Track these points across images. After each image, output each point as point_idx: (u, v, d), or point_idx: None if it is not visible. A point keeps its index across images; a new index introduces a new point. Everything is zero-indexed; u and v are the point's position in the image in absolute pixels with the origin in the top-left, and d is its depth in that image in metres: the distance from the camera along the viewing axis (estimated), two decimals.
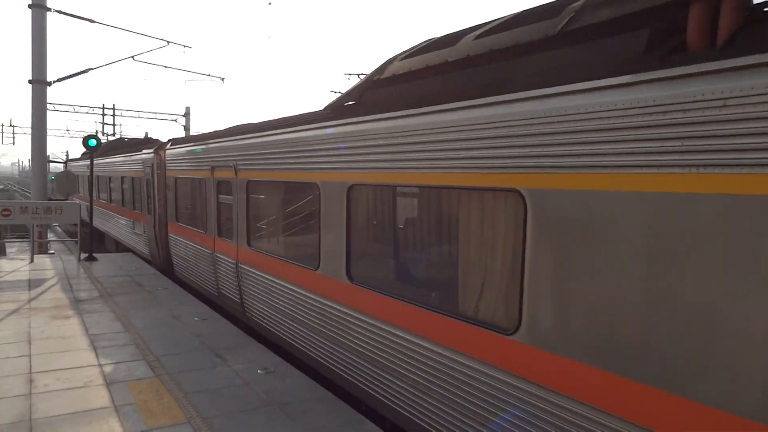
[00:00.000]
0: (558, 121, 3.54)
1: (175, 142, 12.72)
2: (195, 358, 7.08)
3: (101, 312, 9.25)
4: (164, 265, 13.75)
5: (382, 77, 5.66)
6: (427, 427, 4.74)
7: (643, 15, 3.35)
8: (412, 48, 5.69)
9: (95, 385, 6.05)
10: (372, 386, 5.52)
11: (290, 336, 7.33)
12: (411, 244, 5.20)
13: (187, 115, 47.69)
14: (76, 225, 15.10)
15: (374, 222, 5.62)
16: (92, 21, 18.83)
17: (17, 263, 13.97)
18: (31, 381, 6.11)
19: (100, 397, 5.74)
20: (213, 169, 9.76)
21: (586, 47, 3.66)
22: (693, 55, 2.92)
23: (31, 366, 6.58)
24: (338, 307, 6.09)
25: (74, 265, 13.85)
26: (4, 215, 13.52)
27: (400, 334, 5.05)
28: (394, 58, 5.81)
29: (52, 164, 30.81)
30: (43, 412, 5.32)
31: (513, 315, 3.99)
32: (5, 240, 19.62)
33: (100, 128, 50.79)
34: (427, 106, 4.67)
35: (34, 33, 17.39)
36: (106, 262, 14.54)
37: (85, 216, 17.88)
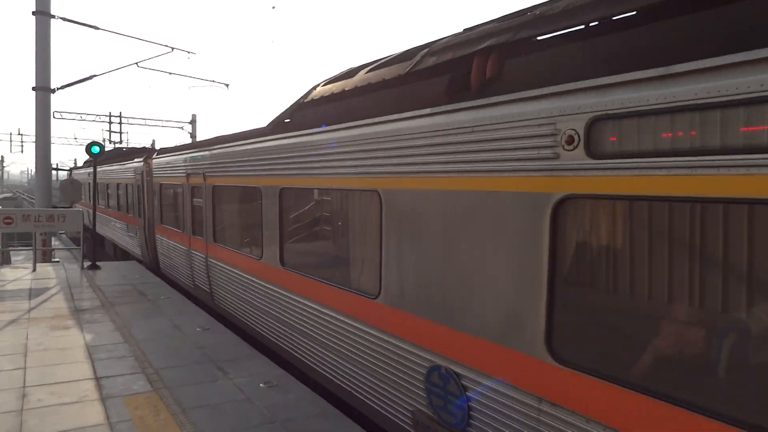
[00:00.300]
0: (397, 139, 4.85)
1: (160, 152, 13.87)
2: (195, 371, 6.82)
3: (101, 322, 9.02)
4: (153, 264, 14.66)
5: (305, 101, 7.01)
6: (322, 371, 6.35)
7: (449, 64, 4.63)
8: (331, 77, 7.08)
9: (90, 400, 5.79)
10: (296, 349, 6.97)
11: (248, 319, 8.50)
12: (321, 236, 6.57)
13: (193, 122, 47.71)
14: (79, 232, 14.95)
15: (298, 218, 6.92)
16: (96, 28, 18.76)
17: (20, 272, 13.80)
18: (24, 396, 5.86)
19: (95, 413, 5.48)
20: (188, 176, 11.04)
21: (418, 85, 4.97)
22: (467, 94, 4.22)
23: (25, 379, 6.34)
24: (276, 289, 7.39)
25: (77, 274, 13.66)
26: (6, 223, 13.36)
27: (314, 306, 6.41)
28: (317, 84, 7.14)
29: (60, 172, 30.81)
30: (33, 430, 5.07)
31: (376, 284, 5.25)
32: (10, 248, 19.52)
33: (107, 136, 50.98)
34: (326, 126, 5.98)
35: (38, 40, 17.33)
36: (109, 271, 14.34)
37: (88, 222, 17.93)
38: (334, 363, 6.03)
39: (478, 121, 4.01)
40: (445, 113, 4.35)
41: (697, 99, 2.72)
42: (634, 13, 3.34)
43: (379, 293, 5.16)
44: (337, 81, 6.59)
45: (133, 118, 50.67)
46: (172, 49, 20.43)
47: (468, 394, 4.17)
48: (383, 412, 5.18)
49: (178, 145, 13.47)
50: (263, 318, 7.85)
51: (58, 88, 18.45)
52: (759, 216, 2.57)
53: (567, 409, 3.41)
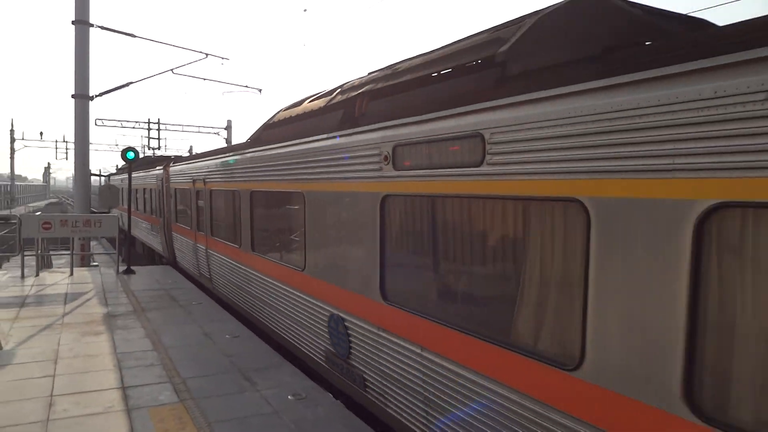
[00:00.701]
0: (310, 155, 6.81)
1: (175, 160, 16.37)
2: (223, 381, 6.63)
3: (132, 328, 8.97)
4: (171, 257, 16.69)
5: (269, 122, 9.05)
6: (272, 327, 8.45)
7: (345, 102, 6.42)
8: (288, 104, 9.06)
9: (116, 411, 5.65)
10: (259, 314, 9.04)
11: (235, 297, 10.34)
12: (280, 228, 8.27)
13: (228, 128, 48.41)
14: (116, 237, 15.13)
15: (263, 215, 8.83)
16: (133, 36, 19.06)
17: (58, 276, 14.02)
18: (50, 405, 5.77)
19: (119, 425, 5.33)
20: (194, 181, 13.18)
21: (329, 116, 6.73)
22: (347, 124, 6.12)
23: (53, 388, 6.26)
24: (249, 270, 9.28)
25: (112, 279, 13.79)
26: (44, 228, 13.60)
27: (270, 280, 8.38)
28: (279, 110, 9.17)
29: (98, 177, 31.57)
30: None
31: (302, 261, 7.15)
32: (51, 252, 19.99)
33: (146, 143, 52.24)
34: (276, 143, 8.06)
35: (77, 48, 17.68)
36: (143, 275, 14.45)
37: (123, 225, 18.44)
38: (280, 320, 8.11)
39: (346, 144, 5.96)
40: (329, 138, 6.38)
41: (431, 136, 4.59)
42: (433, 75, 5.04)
43: (305, 267, 7.07)
44: (289, 108, 8.80)
45: (171, 124, 51.78)
46: (207, 55, 20.62)
47: (348, 330, 5.98)
48: (311, 354, 7.09)
49: (188, 155, 16.42)
50: (243, 295, 9.79)
51: (96, 96, 18.78)
52: (458, 204, 4.40)
53: (390, 331, 5.24)
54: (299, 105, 8.26)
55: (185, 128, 52.39)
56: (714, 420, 2.60)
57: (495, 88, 4.03)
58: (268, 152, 8.29)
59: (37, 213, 23.58)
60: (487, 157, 3.99)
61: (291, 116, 8.16)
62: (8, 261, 21.11)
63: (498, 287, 4.07)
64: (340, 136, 6.07)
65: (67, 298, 11.28)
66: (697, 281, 2.70)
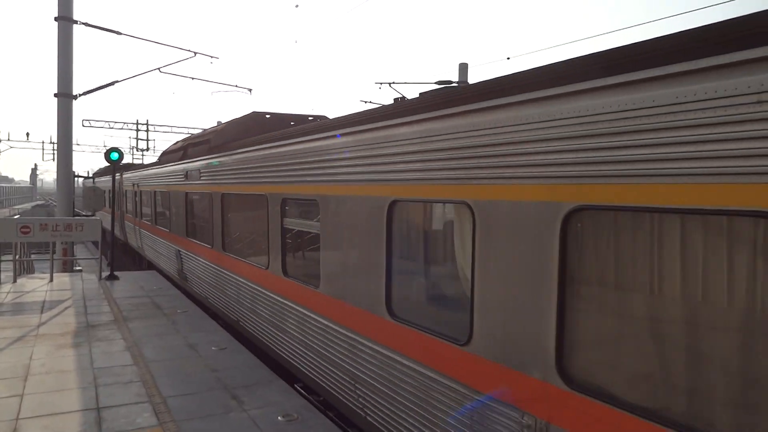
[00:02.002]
0: (205, 168, 10.60)
1: (125, 168, 21.77)
2: (207, 400, 6.11)
3: (112, 340, 8.41)
4: (123, 237, 22.13)
5: (166, 150, 14.73)
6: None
7: (190, 145, 12.51)
8: (176, 141, 15.16)
9: None
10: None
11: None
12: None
13: None
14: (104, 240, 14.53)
15: (152, 200, 13.85)
16: (119, 33, 18.46)
17: (37, 282, 13.40)
18: (14, 430, 5.23)
19: None
20: (133, 185, 18.69)
21: (192, 150, 11.93)
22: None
23: (19, 410, 5.72)
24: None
25: (94, 285, 13.19)
26: (23, 233, 12.97)
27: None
28: (176, 141, 14.25)
29: (84, 179, 30.91)
30: None
31: (166, 223, 13.43)
32: (33, 257, 19.30)
33: (134, 143, 51.45)
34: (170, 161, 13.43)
35: (60, 46, 17.06)
36: (127, 281, 13.86)
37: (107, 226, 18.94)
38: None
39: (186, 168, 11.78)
40: (186, 163, 11.75)
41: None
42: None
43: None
44: (176, 143, 14.64)
45: (160, 125, 51.06)
46: (195, 53, 20.03)
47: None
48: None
49: (136, 164, 24.02)
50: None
51: (80, 95, 18.15)
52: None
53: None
54: (177, 144, 13.77)
55: (174, 129, 51.68)
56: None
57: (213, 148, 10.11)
58: (160, 168, 14.66)
59: (16, 216, 22.91)
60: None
61: (174, 149, 14.40)
62: None
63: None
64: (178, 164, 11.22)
65: (45, 306, 10.69)
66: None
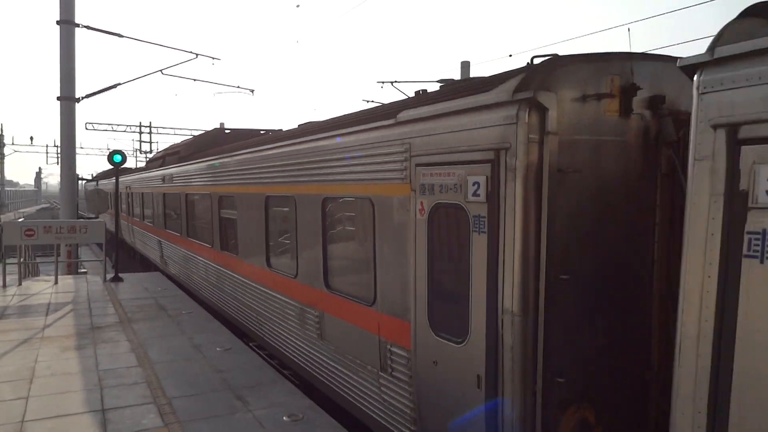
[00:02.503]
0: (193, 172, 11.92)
1: (122, 172, 22.24)
2: (212, 401, 6.10)
3: (117, 342, 8.42)
4: (117, 233, 23.46)
5: (152, 158, 17.48)
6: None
7: (162, 157, 16.54)
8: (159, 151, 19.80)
9: None
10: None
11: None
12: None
13: None
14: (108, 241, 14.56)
15: (139, 200, 17.68)
16: (120, 36, 18.48)
17: (42, 285, 13.43)
18: None
19: None
20: (126, 187, 20.69)
21: (171, 157, 14.70)
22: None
23: (25, 412, 5.72)
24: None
25: (99, 287, 13.21)
26: (27, 236, 13.01)
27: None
28: (160, 150, 18.97)
29: (86, 182, 31.06)
30: None
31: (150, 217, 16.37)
32: (38, 259, 19.36)
33: (137, 146, 51.54)
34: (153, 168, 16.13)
35: (63, 49, 17.08)
36: (132, 283, 13.88)
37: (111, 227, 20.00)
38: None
39: (163, 173, 14.55)
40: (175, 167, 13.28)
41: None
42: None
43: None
44: (158, 152, 18.17)
45: (163, 127, 51.09)
46: (197, 55, 20.03)
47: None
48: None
49: (128, 168, 25.31)
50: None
51: (83, 97, 18.18)
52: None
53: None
54: (160, 152, 16.03)
55: (177, 131, 51.71)
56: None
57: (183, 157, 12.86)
58: (145, 174, 17.49)
59: (20, 219, 23.05)
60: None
61: (156, 157, 16.86)
62: None
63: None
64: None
65: (50, 308, 10.71)
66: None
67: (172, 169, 13.50)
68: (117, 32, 18.49)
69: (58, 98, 17.16)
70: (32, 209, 79.31)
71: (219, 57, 19.93)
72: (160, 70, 19.28)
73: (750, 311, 2.30)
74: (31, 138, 64.68)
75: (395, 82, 24.13)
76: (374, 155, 4.98)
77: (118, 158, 14.19)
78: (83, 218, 21.81)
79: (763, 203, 2.22)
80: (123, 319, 9.94)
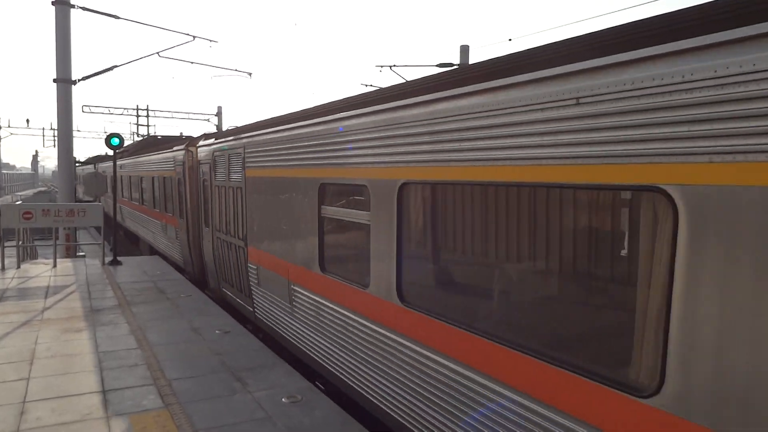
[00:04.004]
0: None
1: (96, 160, 28.97)
2: (212, 382, 6.17)
3: (116, 324, 8.47)
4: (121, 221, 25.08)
5: (128, 148, 22.65)
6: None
7: (128, 148, 23.83)
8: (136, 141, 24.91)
9: (94, 419, 5.18)
10: (145, 238, 17.90)
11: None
12: (148, 194, 16.68)
13: (219, 114, 47.52)
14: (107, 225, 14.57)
15: (144, 190, 18.18)
16: (117, 17, 18.29)
17: (41, 268, 13.46)
18: (22, 413, 5.28)
19: None
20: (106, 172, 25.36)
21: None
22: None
23: (27, 392, 5.77)
24: (147, 217, 16.08)
25: (98, 270, 13.25)
26: (25, 218, 13.00)
27: (151, 219, 16.34)
28: (138, 139, 27.67)
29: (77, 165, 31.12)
30: None
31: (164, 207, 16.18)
32: (36, 242, 19.37)
33: (134, 129, 51.22)
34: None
35: (58, 30, 16.93)
36: (131, 266, 13.91)
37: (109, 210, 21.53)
38: (159, 240, 15.25)
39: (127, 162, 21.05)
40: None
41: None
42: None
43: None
44: (128, 145, 24.34)
45: (160, 111, 50.80)
46: (194, 37, 19.87)
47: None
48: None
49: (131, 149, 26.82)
50: (142, 228, 15.71)
51: (79, 80, 18.05)
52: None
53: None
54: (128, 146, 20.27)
55: (174, 114, 51.48)
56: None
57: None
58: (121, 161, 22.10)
59: (18, 202, 23.05)
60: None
61: (125, 148, 21.21)
62: None
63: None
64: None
65: (49, 291, 10.75)
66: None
67: (127, 160, 20.34)
68: (113, 14, 18.31)
69: (54, 80, 17.05)
70: (29, 192, 79.11)
71: (216, 40, 19.78)
72: (157, 53, 19.14)
73: None
74: (28, 121, 64.20)
75: (394, 66, 23.99)
76: None
77: (115, 141, 14.13)
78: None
79: None
80: (122, 302, 9.98)
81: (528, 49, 3.51)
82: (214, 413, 5.37)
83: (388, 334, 4.89)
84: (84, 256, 18.23)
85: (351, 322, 5.59)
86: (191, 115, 54.85)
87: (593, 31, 3.60)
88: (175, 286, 11.51)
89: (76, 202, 18.31)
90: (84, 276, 12.45)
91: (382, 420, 5.10)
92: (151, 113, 51.43)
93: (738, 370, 2.27)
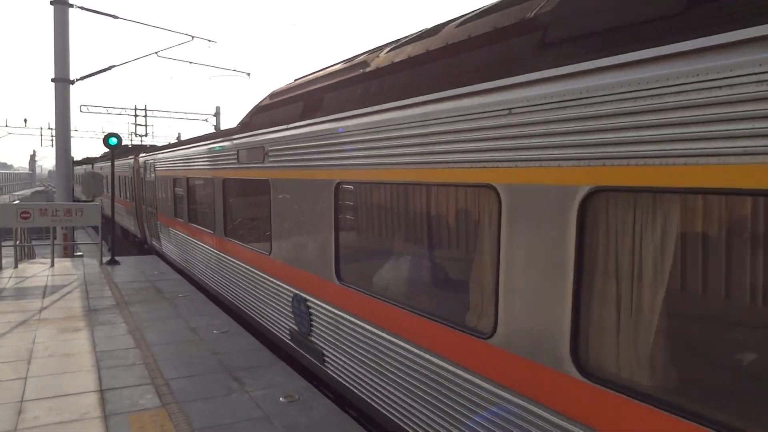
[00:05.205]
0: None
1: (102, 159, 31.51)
2: (209, 382, 6.18)
3: (114, 324, 8.48)
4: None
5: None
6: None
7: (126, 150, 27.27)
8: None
9: (91, 418, 5.19)
10: (133, 229, 20.49)
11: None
12: (134, 191, 19.13)
13: (217, 114, 47.49)
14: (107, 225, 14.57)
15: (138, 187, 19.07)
16: (115, 17, 18.30)
17: (38, 267, 13.45)
18: (20, 412, 5.29)
19: None
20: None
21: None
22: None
23: (24, 391, 5.78)
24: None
25: (95, 270, 13.24)
26: (23, 218, 12.99)
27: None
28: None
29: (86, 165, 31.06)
30: None
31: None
32: (33, 242, 19.33)
33: (133, 129, 51.19)
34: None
35: (57, 30, 16.93)
36: (128, 266, 13.91)
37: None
38: (151, 230, 16.85)
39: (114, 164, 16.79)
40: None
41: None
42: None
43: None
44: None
45: (159, 111, 50.75)
46: (193, 37, 19.89)
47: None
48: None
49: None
50: (133, 220, 17.60)
51: (77, 79, 18.06)
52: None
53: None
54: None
55: (173, 115, 51.44)
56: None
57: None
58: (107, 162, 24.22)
59: (15, 202, 23.03)
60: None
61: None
62: None
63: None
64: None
65: (46, 291, 10.75)
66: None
67: (121, 161, 21.56)
68: (112, 13, 18.31)
69: (52, 80, 17.05)
70: (27, 192, 78.95)
71: (215, 40, 19.79)
72: (156, 53, 19.15)
73: None
74: (25, 120, 64.08)
75: None
76: None
77: (113, 141, 14.13)
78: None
79: None
80: (120, 301, 9.99)
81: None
82: (212, 412, 5.38)
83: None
84: (82, 256, 18.21)
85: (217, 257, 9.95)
86: (189, 115, 54.85)
87: None
88: (173, 286, 11.51)
89: (73, 201, 18.27)
90: (82, 276, 12.44)
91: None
92: (149, 113, 51.37)
93: (533, 316, 3.32)
